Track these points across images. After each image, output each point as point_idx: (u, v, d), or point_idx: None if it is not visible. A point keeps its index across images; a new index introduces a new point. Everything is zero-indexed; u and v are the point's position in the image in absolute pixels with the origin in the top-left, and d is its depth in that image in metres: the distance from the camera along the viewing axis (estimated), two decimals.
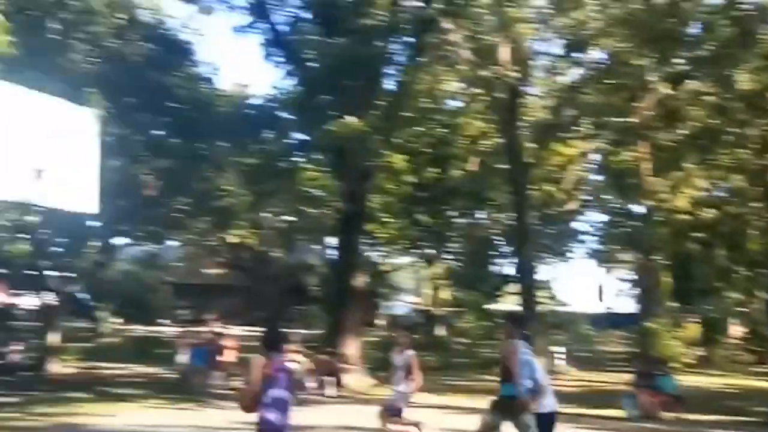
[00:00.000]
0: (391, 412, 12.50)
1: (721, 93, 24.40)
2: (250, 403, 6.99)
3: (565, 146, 37.60)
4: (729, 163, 29.30)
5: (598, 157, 40.60)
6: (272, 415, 6.97)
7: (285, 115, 22.25)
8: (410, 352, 12.77)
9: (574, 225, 47.90)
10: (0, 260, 31.09)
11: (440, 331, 40.43)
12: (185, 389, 19.49)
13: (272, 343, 7.42)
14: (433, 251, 42.51)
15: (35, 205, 16.17)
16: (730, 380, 27.63)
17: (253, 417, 7.01)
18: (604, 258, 51.29)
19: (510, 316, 13.53)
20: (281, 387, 7.09)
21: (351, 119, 19.89)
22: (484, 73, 25.53)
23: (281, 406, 7.04)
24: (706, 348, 34.97)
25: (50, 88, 14.62)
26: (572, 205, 42.36)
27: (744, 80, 23.04)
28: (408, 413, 12.93)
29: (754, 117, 24.86)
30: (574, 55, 27.48)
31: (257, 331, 36.08)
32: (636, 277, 40.77)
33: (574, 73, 28.72)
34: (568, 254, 49.57)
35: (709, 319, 37.16)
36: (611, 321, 55.40)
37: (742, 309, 46.17)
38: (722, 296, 40.40)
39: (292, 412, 7.16)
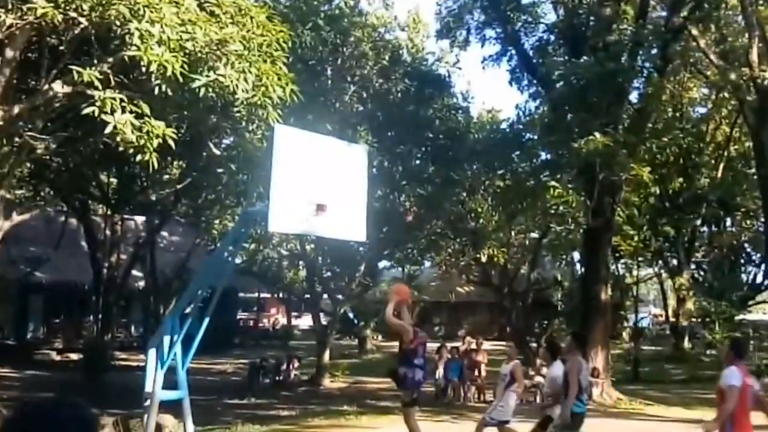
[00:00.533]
0: (496, 423, 11.42)
1: None
2: None
3: None
4: None
5: None
6: None
7: (531, 136, 21.50)
8: (514, 362, 12.04)
9: None
10: (281, 285, 33.09)
11: (687, 343, 37.49)
12: (443, 402, 19.18)
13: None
14: (677, 261, 39.55)
15: (312, 236, 16.66)
16: None
17: None
18: None
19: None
20: None
21: (597, 135, 18.79)
22: (732, 76, 23.22)
23: None
24: None
25: (325, 129, 15.05)
26: None
27: None
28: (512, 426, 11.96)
29: None
30: None
31: (505, 345, 35.55)
32: None
33: None
34: None
35: None
36: None
37: None
38: None
39: None
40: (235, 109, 10.01)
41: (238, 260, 26.30)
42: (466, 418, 16.73)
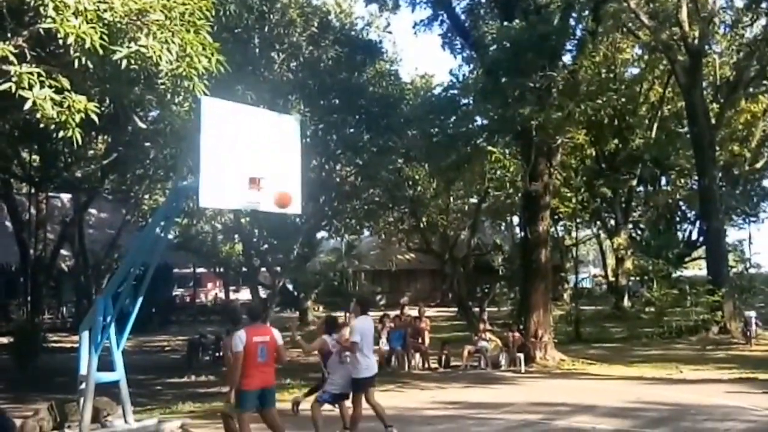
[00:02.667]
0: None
1: None
2: None
3: (751, 103, 34.75)
4: None
5: None
6: None
7: (466, 100, 21.70)
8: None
9: (763, 183, 44.55)
10: (217, 260, 32.90)
11: (626, 301, 38.76)
12: (387, 371, 19.47)
13: None
14: (615, 222, 40.74)
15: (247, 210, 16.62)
16: None
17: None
18: None
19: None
20: None
21: (532, 99, 19.12)
22: (663, 36, 23.81)
23: None
24: None
25: (256, 99, 14.95)
26: (761, 163, 39.21)
27: None
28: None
29: None
30: (758, 5, 25.00)
31: (448, 311, 36.12)
32: None
33: (759, 26, 26.31)
34: (759, 214, 46.16)
35: None
36: None
37: None
38: None
39: None
40: (160, 81, 9.86)
41: (171, 236, 26.07)
42: (412, 386, 17.03)
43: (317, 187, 20.00)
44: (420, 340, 20.65)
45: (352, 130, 20.00)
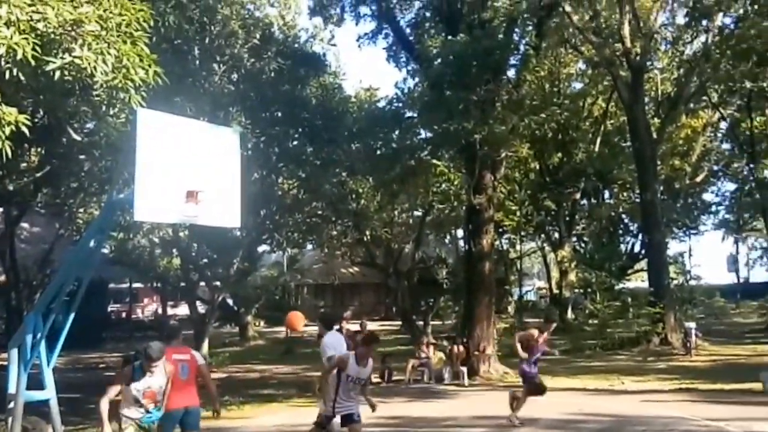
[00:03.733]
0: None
1: None
2: None
3: (691, 118, 35.89)
4: None
5: (725, 125, 38.53)
6: None
7: (411, 114, 22.00)
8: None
9: (703, 196, 45.95)
10: (154, 274, 32.47)
11: (570, 313, 39.49)
12: None
13: None
14: (559, 235, 41.52)
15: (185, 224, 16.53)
16: None
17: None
18: (735, 228, 48.95)
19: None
20: None
21: (476, 113, 19.46)
22: (606, 52, 24.48)
23: None
24: None
25: (195, 111, 14.92)
26: (701, 177, 40.46)
27: None
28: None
29: None
30: (698, 23, 25.93)
31: (392, 325, 36.11)
32: None
33: (699, 42, 27.23)
34: (699, 226, 47.59)
35: None
36: (745, 291, 52.67)
37: None
38: None
39: None
40: (95, 93, 9.82)
41: (106, 250, 25.67)
42: None
43: (258, 200, 19.99)
44: None
45: (294, 142, 20.07)
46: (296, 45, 20.89)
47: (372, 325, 25.76)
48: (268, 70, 18.26)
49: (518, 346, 12.97)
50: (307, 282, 47.23)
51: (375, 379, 20.51)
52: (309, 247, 37.59)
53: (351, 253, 37.94)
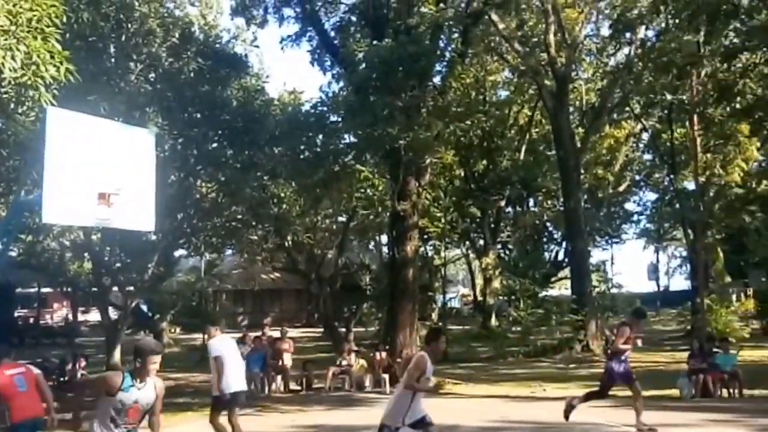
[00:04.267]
0: None
1: None
2: None
3: (615, 128, 37.02)
4: None
5: (647, 136, 39.90)
6: None
7: (335, 118, 22.06)
8: None
9: (625, 206, 47.40)
10: (64, 279, 31.63)
11: (494, 320, 40.20)
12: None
13: None
14: (484, 242, 42.22)
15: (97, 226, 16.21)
16: None
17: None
18: (655, 237, 50.64)
19: None
20: None
21: (401, 119, 19.68)
22: (531, 61, 25.08)
23: None
24: (763, 321, 34.01)
25: (110, 111, 14.66)
26: (623, 186, 41.74)
27: None
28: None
29: None
30: (621, 35, 26.82)
31: (314, 332, 36.00)
32: (688, 253, 39.87)
33: (622, 54, 28.17)
34: (621, 235, 49.06)
35: (766, 292, 36.07)
36: (665, 299, 54.56)
37: None
38: None
39: None
40: (3, 90, 9.60)
41: (13, 252, 24.90)
42: (271, 410, 16.98)
43: (175, 204, 19.71)
44: (281, 362, 20.65)
45: (214, 145, 19.86)
46: (217, 45, 20.67)
47: (293, 332, 25.75)
48: (188, 71, 18.04)
49: (620, 341, 12.96)
50: (226, 288, 46.73)
51: (294, 386, 20.54)
52: (228, 252, 37.19)
53: (272, 259, 37.80)
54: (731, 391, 17.33)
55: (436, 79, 22.09)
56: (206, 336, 12.54)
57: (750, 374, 18.17)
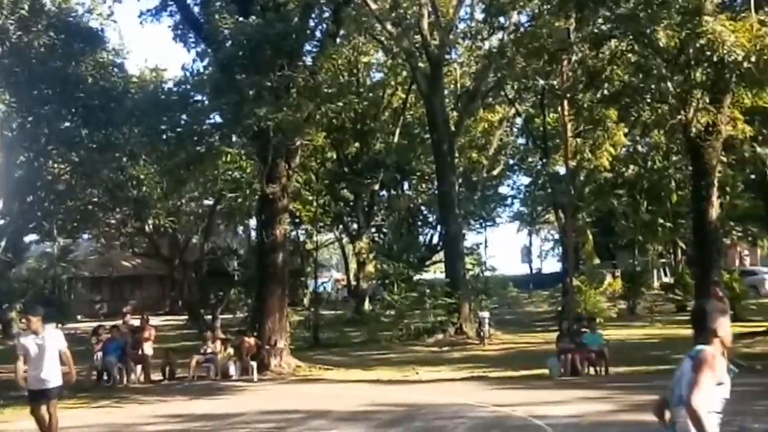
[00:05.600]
0: None
1: (640, 51, 25.00)
2: None
3: (489, 112, 38.26)
4: (649, 119, 30.20)
5: (521, 121, 41.45)
6: None
7: (200, 97, 21.81)
8: None
9: (499, 189, 49.11)
10: None
11: (367, 304, 40.91)
12: (104, 386, 19.27)
13: None
14: (358, 226, 42.81)
15: None
16: (653, 331, 28.87)
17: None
18: (529, 220, 52.69)
19: None
20: None
21: (269, 99, 19.69)
22: (405, 43, 25.59)
23: None
24: (629, 301, 36.30)
25: None
26: (497, 170, 43.21)
27: (662, 37, 23.67)
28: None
29: (672, 73, 25.67)
30: (495, 19, 27.73)
31: (178, 319, 35.58)
32: (560, 236, 41.81)
33: (495, 39, 29.10)
34: (495, 218, 50.76)
35: (633, 273, 38.40)
36: (537, 281, 56.78)
37: (663, 260, 48.32)
38: (645, 249, 42.02)
39: None
40: None
41: None
42: (131, 401, 16.87)
43: (25, 186, 19.14)
44: (141, 351, 20.48)
45: (67, 124, 19.36)
46: (71, 19, 20.05)
47: (155, 320, 25.42)
48: (38, 45, 17.51)
49: None
50: (82, 274, 45.46)
51: (155, 376, 20.39)
52: (84, 236, 36.20)
53: (132, 244, 37.06)
54: (598, 369, 18.60)
55: (308, 60, 22.17)
56: (26, 325, 12.20)
57: (616, 353, 19.66)
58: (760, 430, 10.91)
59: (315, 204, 34.78)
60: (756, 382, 15.42)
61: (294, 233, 36.73)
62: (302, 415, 13.78)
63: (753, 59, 17.12)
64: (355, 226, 43.70)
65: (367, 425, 12.71)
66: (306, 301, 43.24)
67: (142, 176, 24.19)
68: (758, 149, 25.60)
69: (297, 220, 36.18)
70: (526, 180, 48.85)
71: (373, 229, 45.25)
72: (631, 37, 24.75)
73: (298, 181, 28.45)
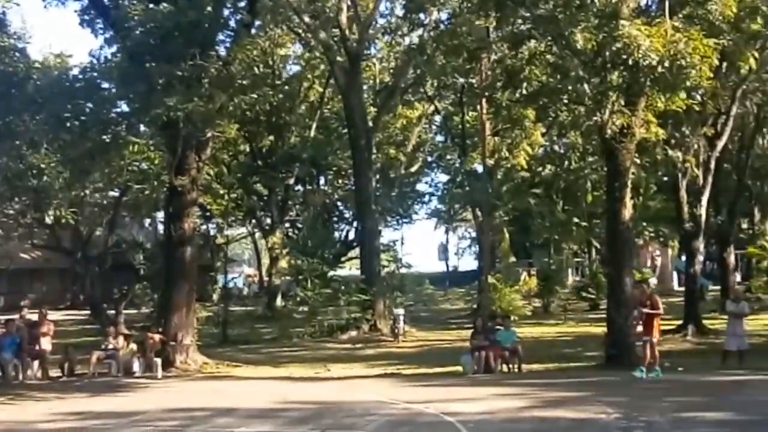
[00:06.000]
0: None
1: (558, 52, 25.70)
2: None
3: (407, 109, 38.70)
4: (566, 120, 31.05)
5: (440, 118, 42.04)
6: None
7: (107, 85, 21.47)
8: None
9: (417, 186, 49.67)
10: None
11: (279, 301, 40.96)
12: None
13: None
14: (271, 220, 42.76)
15: None
16: (566, 328, 29.95)
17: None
18: (446, 217, 53.47)
19: None
20: None
21: (180, 89, 19.54)
22: (322, 36, 25.69)
23: None
24: (544, 299, 37.34)
25: None
26: (415, 167, 43.72)
27: (580, 39, 24.39)
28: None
29: (589, 75, 26.47)
30: (415, 16, 28.10)
31: (79, 314, 34.91)
32: (477, 234, 42.56)
33: (415, 35, 29.48)
34: (411, 215, 51.37)
35: (548, 271, 39.43)
36: (454, 279, 57.73)
37: (578, 259, 49.77)
38: (560, 248, 43.17)
39: None
40: None
41: None
42: (26, 398, 16.50)
43: None
44: (39, 347, 20.13)
45: None
46: None
47: (56, 315, 24.93)
48: None
49: None
50: None
51: (54, 373, 20.04)
52: None
53: (31, 235, 36.25)
54: (511, 366, 19.21)
55: (221, 50, 22.03)
56: None
57: (529, 350, 20.30)
58: (666, 425, 11.41)
59: (226, 197, 34.65)
60: (664, 379, 16.32)
61: (204, 227, 36.48)
62: (208, 413, 13.73)
63: (666, 64, 17.74)
64: (268, 220, 43.63)
65: (275, 422, 12.75)
66: (215, 296, 43.00)
67: (43, 165, 23.71)
68: (670, 152, 26.50)
69: (207, 214, 35.99)
70: (444, 177, 49.61)
71: (287, 224, 45.27)
72: (549, 38, 25.42)
73: (208, 174, 28.29)
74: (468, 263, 67.97)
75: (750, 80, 27.45)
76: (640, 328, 17.61)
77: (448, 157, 45.67)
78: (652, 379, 16.62)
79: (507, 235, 40.88)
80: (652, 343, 17.10)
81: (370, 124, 31.85)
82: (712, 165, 27.82)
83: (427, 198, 51.52)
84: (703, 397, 14.35)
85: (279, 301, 40.54)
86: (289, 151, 39.70)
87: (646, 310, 17.31)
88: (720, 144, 27.67)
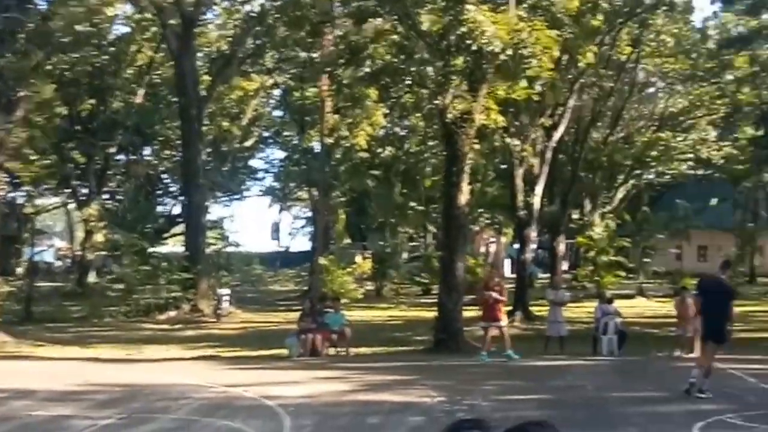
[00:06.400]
0: None
1: (404, 32, 26.10)
2: None
3: (245, 80, 38.20)
4: (408, 102, 31.61)
5: (279, 92, 41.76)
6: None
7: None
8: None
9: (251, 162, 49.21)
10: None
11: (92, 277, 39.76)
12: None
13: None
14: (88, 190, 41.31)
15: None
16: (397, 312, 30.83)
17: None
18: (280, 196, 53.30)
19: None
20: None
21: None
22: None
23: None
24: (377, 282, 38.01)
25: None
26: (249, 142, 43.27)
27: (426, 20, 24.86)
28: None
29: (433, 57, 27.06)
30: None
31: None
32: (312, 214, 42.73)
33: (257, 3, 29.09)
34: (243, 192, 50.85)
35: (382, 254, 40.09)
36: (285, 260, 57.72)
37: (413, 243, 50.97)
38: (396, 231, 44.04)
39: None
40: None
41: None
42: None
43: None
44: None
45: None
46: None
47: None
48: None
49: None
50: None
51: None
52: None
53: None
54: (339, 349, 19.44)
55: (41, 4, 21.21)
56: None
57: (359, 333, 20.60)
58: (487, 408, 11.91)
59: (38, 164, 33.17)
60: (489, 363, 17.04)
61: (11, 195, 34.79)
62: (4, 395, 13.19)
63: (509, 52, 18.38)
64: (85, 190, 42.08)
65: (78, 406, 12.39)
66: (20, 270, 41.26)
67: None
68: (508, 140, 27.51)
69: (16, 181, 34.27)
70: (280, 154, 49.37)
71: (106, 196, 43.86)
72: (395, 17, 25.82)
73: (18, 137, 27.05)
74: (302, 244, 67.96)
75: (588, 74, 28.97)
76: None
77: (286, 133, 45.50)
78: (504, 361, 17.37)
79: (343, 217, 41.31)
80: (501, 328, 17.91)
81: (203, 93, 31.23)
82: (548, 155, 29.19)
83: (261, 174, 51.25)
84: (524, 381, 15.34)
85: (93, 278, 39.40)
86: (111, 117, 38.44)
87: (495, 296, 18.09)
88: (557, 135, 29.08)
